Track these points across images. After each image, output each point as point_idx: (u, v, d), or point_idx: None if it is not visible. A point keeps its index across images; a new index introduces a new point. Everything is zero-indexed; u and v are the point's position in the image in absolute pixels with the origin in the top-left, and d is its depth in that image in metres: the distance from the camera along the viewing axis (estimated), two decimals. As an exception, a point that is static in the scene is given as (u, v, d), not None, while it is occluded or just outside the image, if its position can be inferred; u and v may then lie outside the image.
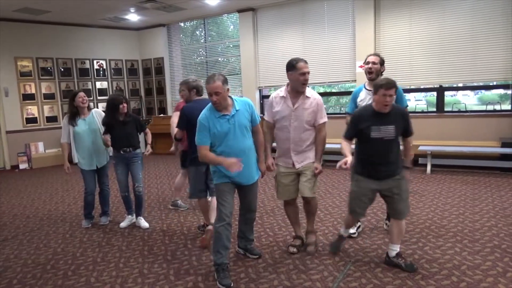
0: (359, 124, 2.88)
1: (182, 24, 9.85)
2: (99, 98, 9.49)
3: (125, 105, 3.94)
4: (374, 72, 3.46)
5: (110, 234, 4.05)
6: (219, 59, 9.52)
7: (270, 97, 3.27)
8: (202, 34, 9.65)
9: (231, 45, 9.27)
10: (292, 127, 3.14)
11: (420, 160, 6.52)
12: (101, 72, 9.59)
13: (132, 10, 8.10)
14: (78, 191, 5.89)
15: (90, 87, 9.36)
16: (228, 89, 2.80)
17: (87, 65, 9.35)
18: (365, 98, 3.49)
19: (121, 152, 4.02)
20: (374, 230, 3.76)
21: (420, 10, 6.76)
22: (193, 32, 10.05)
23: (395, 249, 2.97)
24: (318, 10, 7.74)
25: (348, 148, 2.92)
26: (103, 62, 9.60)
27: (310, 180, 3.18)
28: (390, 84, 2.74)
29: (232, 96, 2.92)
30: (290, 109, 3.13)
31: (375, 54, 3.56)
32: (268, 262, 3.18)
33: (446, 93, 7.12)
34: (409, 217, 4.09)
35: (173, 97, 9.97)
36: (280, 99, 3.18)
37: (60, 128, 4.56)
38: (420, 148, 6.30)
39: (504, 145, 5.91)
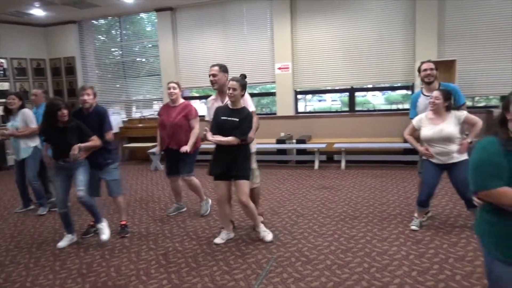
0: None
1: (95, 22, 9.28)
2: (-1, 100, 8.53)
3: (64, 111, 3.45)
4: (433, 76, 3.68)
5: (15, 251, 3.67)
6: (137, 59, 9.16)
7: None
8: (118, 33, 9.19)
9: (149, 45, 8.97)
10: None
11: (335, 157, 6.96)
12: (1, 72, 8.63)
13: (36, 4, 7.42)
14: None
15: (-12, 89, 8.38)
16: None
17: (-16, 64, 8.36)
18: (426, 104, 3.58)
19: (60, 162, 3.59)
20: (294, 226, 3.91)
21: (333, 15, 7.20)
22: (108, 30, 9.53)
23: None
24: (238, 12, 7.85)
25: None
26: (4, 61, 8.64)
27: None
28: None
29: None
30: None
31: (430, 61, 3.75)
32: (192, 266, 3.14)
33: (357, 93, 7.69)
34: (325, 210, 4.35)
35: (87, 99, 9.33)
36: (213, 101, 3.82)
37: None
38: (335, 145, 6.71)
39: (406, 140, 6.53)
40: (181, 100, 4.33)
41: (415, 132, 3.61)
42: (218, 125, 3.38)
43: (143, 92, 9.17)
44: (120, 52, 9.20)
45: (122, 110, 9.34)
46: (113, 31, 9.41)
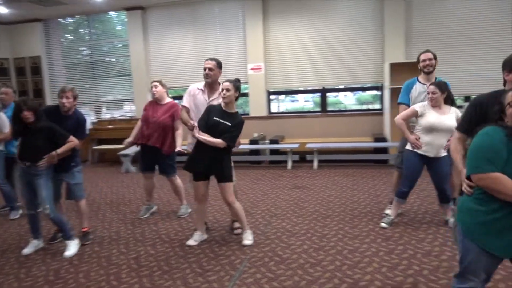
0: None
1: (62, 20, 8.99)
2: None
3: (26, 113, 3.25)
4: (432, 66, 3.76)
5: (-24, 259, 3.50)
6: (107, 59, 8.94)
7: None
8: (87, 32, 8.95)
9: (119, 45, 8.78)
10: None
11: (308, 157, 7.04)
12: (-39, 72, 8.24)
13: (-1, 1, 7.14)
14: None
15: None
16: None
17: None
18: (420, 92, 3.73)
19: (21, 165, 3.41)
20: (267, 226, 3.93)
21: (304, 17, 7.30)
22: (76, 29, 9.26)
23: None
24: (210, 13, 7.82)
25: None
26: (-37, 60, 8.27)
27: None
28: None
29: None
30: (206, 102, 3.60)
31: (428, 51, 3.79)
32: (164, 269, 3.09)
33: (329, 94, 7.82)
34: (298, 210, 4.39)
35: (53, 100, 9.05)
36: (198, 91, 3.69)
37: None
38: (308, 145, 6.80)
39: (376, 140, 6.71)
40: (168, 99, 4.32)
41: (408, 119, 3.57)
42: (208, 125, 3.29)
43: (114, 92, 8.97)
44: (89, 52, 8.96)
45: (91, 111, 9.10)
46: (81, 30, 9.16)
